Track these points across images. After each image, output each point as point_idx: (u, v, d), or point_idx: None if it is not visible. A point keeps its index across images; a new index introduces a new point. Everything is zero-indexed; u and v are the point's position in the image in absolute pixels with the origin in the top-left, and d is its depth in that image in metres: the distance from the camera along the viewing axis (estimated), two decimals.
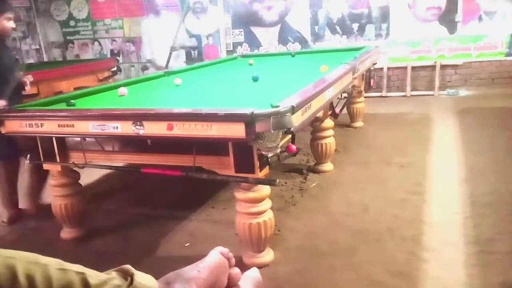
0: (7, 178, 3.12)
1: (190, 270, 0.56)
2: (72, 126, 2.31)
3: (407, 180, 3.30)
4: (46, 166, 2.71)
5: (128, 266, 0.53)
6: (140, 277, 0.52)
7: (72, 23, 7.88)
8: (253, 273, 0.63)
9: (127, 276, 0.51)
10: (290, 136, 2.20)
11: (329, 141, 3.55)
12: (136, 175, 3.33)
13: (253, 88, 3.07)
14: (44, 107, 2.70)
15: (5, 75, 2.94)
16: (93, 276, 0.50)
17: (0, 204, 3.23)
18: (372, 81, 5.16)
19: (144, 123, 2.11)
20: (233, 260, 0.61)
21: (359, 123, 4.97)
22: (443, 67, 6.36)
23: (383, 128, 4.80)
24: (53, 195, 2.76)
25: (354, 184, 3.33)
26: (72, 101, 2.72)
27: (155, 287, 0.52)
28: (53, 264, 0.49)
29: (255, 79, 3.18)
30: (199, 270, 0.56)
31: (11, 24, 3.01)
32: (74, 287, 0.48)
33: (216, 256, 0.59)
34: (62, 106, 2.70)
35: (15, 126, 2.48)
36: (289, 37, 6.88)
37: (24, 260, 0.48)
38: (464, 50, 6.23)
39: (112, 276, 0.51)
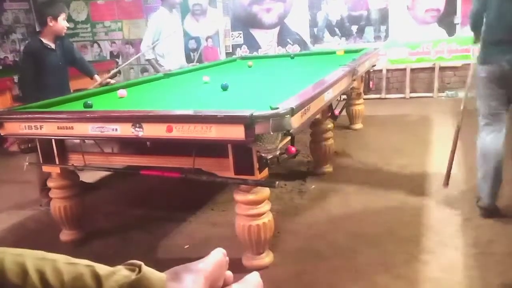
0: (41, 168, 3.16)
1: (197, 263, 0.58)
2: (72, 128, 2.31)
3: (406, 182, 3.30)
4: (45, 168, 2.71)
5: (135, 261, 0.55)
6: (148, 268, 0.54)
7: (71, 25, 7.86)
8: (254, 277, 0.63)
9: (135, 268, 0.53)
10: (289, 138, 2.21)
11: (329, 143, 3.55)
12: (136, 177, 3.33)
13: (252, 90, 3.07)
14: (46, 109, 2.70)
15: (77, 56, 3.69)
16: (102, 268, 0.52)
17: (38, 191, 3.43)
18: (371, 83, 5.16)
19: (144, 125, 2.11)
20: (228, 264, 0.63)
21: (358, 125, 4.97)
22: (442, 69, 6.36)
23: (382, 130, 4.81)
24: (52, 197, 2.76)
25: (353, 186, 3.33)
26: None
27: (163, 277, 0.54)
28: (61, 259, 0.52)
29: (224, 88, 2.95)
30: (206, 263, 0.58)
31: (66, 24, 3.47)
32: (84, 278, 0.50)
33: (219, 254, 0.61)
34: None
35: (15, 128, 2.48)
36: (288, 39, 6.89)
37: (32, 257, 0.50)
38: (463, 52, 6.23)
39: (120, 268, 0.53)
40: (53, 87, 3.32)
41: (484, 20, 2.70)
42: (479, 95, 2.85)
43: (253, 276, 0.62)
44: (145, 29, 7.29)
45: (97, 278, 0.50)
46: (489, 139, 2.71)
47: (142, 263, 0.53)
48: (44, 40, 3.35)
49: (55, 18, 3.33)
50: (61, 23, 3.39)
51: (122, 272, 0.51)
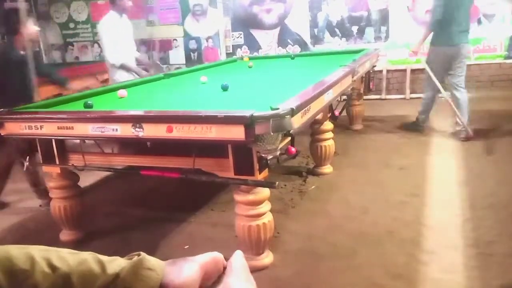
0: (29, 171, 3.19)
1: (195, 256, 0.62)
2: (72, 128, 2.31)
3: (406, 183, 3.30)
4: (45, 168, 2.71)
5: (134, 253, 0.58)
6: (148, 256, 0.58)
7: (71, 25, 7.88)
8: (238, 261, 0.65)
9: (134, 256, 0.57)
10: (289, 138, 2.21)
11: (329, 143, 3.55)
12: (136, 177, 3.33)
13: (252, 90, 3.07)
14: (46, 109, 2.70)
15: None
16: (103, 256, 0.55)
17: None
18: (371, 83, 5.16)
19: (144, 125, 2.11)
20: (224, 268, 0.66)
21: (358, 126, 4.97)
22: None
23: (383, 131, 4.81)
24: (52, 197, 2.76)
25: (353, 186, 3.33)
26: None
27: (163, 264, 0.58)
28: (63, 250, 0.55)
29: (224, 88, 2.96)
30: (202, 256, 0.62)
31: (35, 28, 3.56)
32: (89, 263, 0.53)
33: (217, 253, 0.64)
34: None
35: (15, 128, 2.48)
36: (288, 40, 6.89)
37: (37, 249, 0.52)
38: None
39: (120, 258, 0.57)
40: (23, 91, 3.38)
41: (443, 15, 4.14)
42: (432, 66, 4.48)
43: (237, 259, 0.63)
44: (144, 30, 7.27)
45: (100, 262, 0.53)
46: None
47: (141, 252, 0.57)
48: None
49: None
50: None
51: (123, 259, 0.55)
